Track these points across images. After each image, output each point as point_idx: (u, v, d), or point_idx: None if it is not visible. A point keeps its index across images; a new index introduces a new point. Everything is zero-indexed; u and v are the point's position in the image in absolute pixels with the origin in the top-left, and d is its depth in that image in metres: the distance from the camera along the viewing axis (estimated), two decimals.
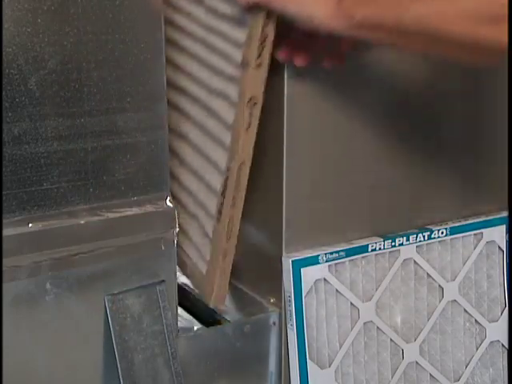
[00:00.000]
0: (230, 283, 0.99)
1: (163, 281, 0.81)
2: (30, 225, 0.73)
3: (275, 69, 0.79)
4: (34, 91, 0.70)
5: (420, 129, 0.94)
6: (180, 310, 0.91)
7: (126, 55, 0.75)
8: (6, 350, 0.71)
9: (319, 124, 0.87)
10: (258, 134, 0.88)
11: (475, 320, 0.99)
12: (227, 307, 0.94)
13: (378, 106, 0.90)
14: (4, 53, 0.68)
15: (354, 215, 0.92)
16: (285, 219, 0.87)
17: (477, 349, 1.00)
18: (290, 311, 0.87)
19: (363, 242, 0.91)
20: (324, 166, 0.88)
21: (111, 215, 0.77)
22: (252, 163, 0.88)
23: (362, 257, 0.91)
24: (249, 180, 0.90)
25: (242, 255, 0.99)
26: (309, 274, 0.87)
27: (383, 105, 0.90)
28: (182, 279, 1.02)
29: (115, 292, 0.78)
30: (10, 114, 0.70)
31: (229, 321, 0.91)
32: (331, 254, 0.88)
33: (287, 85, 0.82)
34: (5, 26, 0.68)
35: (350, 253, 0.90)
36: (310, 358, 0.89)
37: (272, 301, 0.92)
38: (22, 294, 0.74)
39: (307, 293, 0.88)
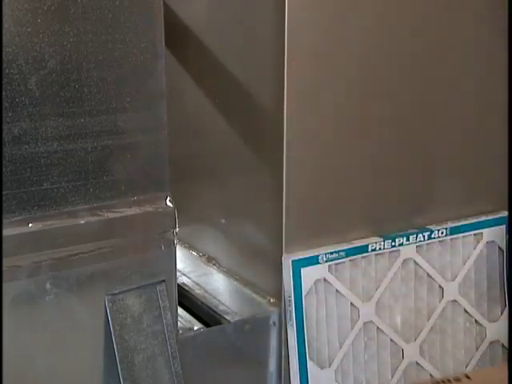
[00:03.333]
0: (231, 283, 1.00)
1: (163, 281, 0.81)
2: (30, 225, 0.73)
3: None
4: (34, 91, 0.70)
5: (419, 131, 0.94)
6: (180, 310, 0.91)
7: (125, 55, 0.75)
8: (6, 350, 0.71)
9: (319, 122, 0.87)
10: (260, 137, 0.89)
11: (475, 320, 0.99)
12: (227, 307, 0.94)
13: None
14: (4, 53, 0.68)
15: (353, 215, 0.92)
16: (285, 219, 0.87)
17: (477, 349, 1.00)
18: (290, 311, 0.87)
19: (363, 242, 0.91)
20: (324, 167, 0.88)
21: (111, 215, 0.77)
22: (251, 163, 0.88)
23: (362, 257, 0.91)
24: (250, 179, 0.90)
25: (242, 255, 0.99)
26: (309, 274, 0.87)
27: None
28: (182, 279, 1.02)
29: (115, 292, 0.78)
30: (10, 114, 0.70)
31: (229, 321, 0.91)
32: (331, 253, 0.88)
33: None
34: (5, 26, 0.68)
35: (350, 253, 0.90)
36: (309, 358, 0.89)
37: (272, 301, 0.92)
38: (22, 293, 0.73)
39: (307, 293, 0.88)
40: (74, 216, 0.75)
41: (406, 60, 0.91)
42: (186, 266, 1.06)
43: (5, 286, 0.72)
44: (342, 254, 0.89)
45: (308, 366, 0.89)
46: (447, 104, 0.96)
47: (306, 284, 0.87)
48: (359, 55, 0.87)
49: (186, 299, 0.98)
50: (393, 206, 0.94)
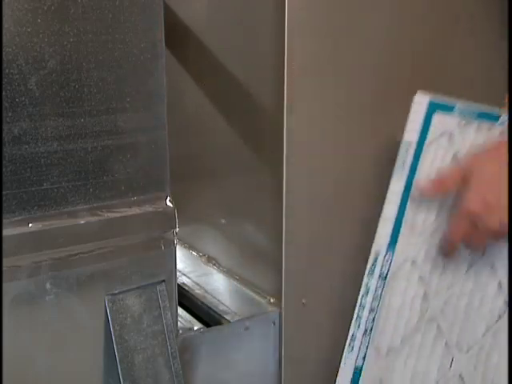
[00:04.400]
0: (231, 283, 1.00)
1: (163, 281, 0.81)
2: (30, 225, 0.73)
3: None
4: (34, 91, 0.70)
5: None
6: (180, 310, 0.91)
7: (125, 55, 0.75)
8: (6, 350, 0.71)
9: (319, 122, 0.87)
10: (260, 137, 0.88)
11: None
12: (227, 307, 0.94)
13: None
14: (4, 53, 0.68)
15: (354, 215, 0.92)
16: (285, 219, 0.87)
17: None
18: (404, 161, 0.83)
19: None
20: (324, 167, 0.89)
21: (111, 215, 0.77)
22: (251, 163, 0.87)
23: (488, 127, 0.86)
24: (250, 179, 0.90)
25: (242, 255, 0.99)
26: (439, 122, 0.83)
27: None
28: (182, 279, 1.02)
29: (115, 292, 0.78)
30: (10, 114, 0.70)
31: (229, 321, 0.91)
32: (466, 108, 0.84)
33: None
34: (5, 26, 0.68)
35: (481, 116, 0.85)
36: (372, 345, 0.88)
37: (272, 301, 0.92)
38: (22, 293, 0.73)
39: (430, 142, 0.83)
40: (74, 216, 0.75)
41: (408, 60, 0.91)
42: (186, 266, 1.06)
43: (5, 286, 0.72)
44: (475, 114, 0.85)
45: (368, 351, 0.88)
46: None
47: (432, 132, 0.83)
48: (360, 55, 0.87)
49: (186, 299, 0.98)
50: None
